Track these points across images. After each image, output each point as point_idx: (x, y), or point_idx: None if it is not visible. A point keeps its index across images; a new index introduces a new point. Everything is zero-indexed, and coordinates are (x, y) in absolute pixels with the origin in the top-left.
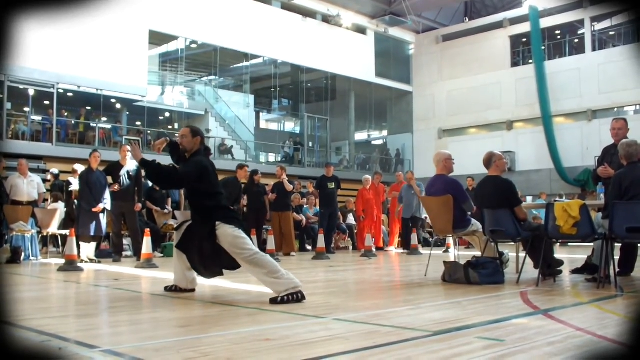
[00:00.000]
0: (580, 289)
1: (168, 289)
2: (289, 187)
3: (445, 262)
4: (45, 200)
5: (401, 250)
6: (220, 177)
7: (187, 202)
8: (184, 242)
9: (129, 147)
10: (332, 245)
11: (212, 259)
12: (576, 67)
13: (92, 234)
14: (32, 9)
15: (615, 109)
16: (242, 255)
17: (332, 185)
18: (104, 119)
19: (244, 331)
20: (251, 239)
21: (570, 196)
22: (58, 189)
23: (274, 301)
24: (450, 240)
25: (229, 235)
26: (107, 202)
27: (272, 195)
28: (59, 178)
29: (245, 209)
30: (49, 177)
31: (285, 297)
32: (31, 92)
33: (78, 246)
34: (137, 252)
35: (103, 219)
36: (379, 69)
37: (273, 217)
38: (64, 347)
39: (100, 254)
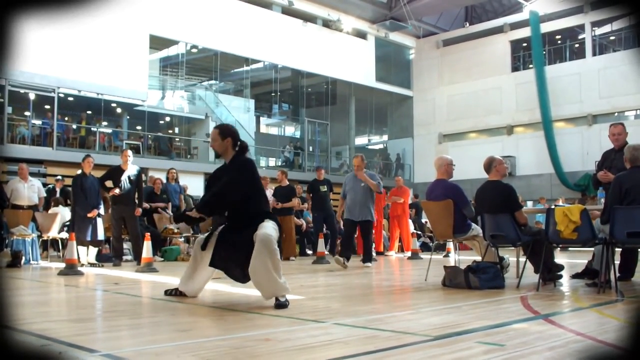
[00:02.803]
0: (580, 293)
1: (169, 292)
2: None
3: (445, 267)
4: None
5: (343, 262)
6: None
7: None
8: (222, 261)
9: (130, 152)
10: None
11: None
12: (576, 71)
13: (88, 238)
14: (32, 12)
15: (616, 114)
16: (262, 232)
17: (324, 189)
18: (105, 123)
19: (244, 335)
20: None
21: (570, 201)
22: (64, 194)
23: (279, 306)
24: (450, 245)
25: (267, 224)
26: (101, 207)
27: (273, 202)
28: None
29: None
30: (56, 181)
31: (286, 302)
32: (32, 96)
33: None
34: (137, 256)
35: (99, 223)
36: (380, 74)
37: None
38: (64, 351)
39: (101, 258)
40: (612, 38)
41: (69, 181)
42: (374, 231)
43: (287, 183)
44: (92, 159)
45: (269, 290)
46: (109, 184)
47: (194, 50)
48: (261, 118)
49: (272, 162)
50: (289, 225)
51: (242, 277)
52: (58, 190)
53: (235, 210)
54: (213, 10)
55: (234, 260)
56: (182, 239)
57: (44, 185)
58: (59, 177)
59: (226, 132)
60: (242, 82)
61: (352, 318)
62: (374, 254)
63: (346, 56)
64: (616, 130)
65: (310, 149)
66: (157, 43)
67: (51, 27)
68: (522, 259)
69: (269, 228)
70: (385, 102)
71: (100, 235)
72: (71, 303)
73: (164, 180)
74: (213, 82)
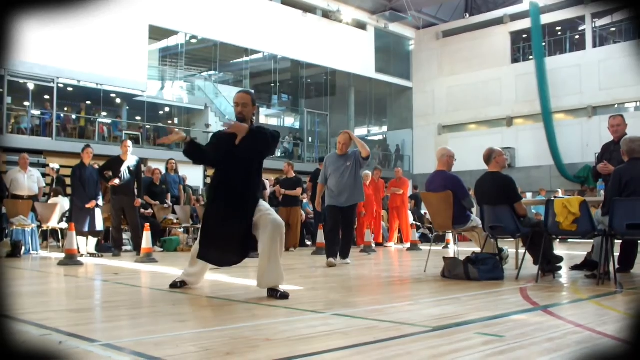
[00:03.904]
0: (579, 285)
1: (177, 285)
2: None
3: (444, 258)
4: (46, 194)
5: (341, 260)
6: None
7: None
8: (216, 253)
9: (129, 143)
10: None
11: (245, 244)
12: (577, 63)
13: (85, 229)
14: (32, 3)
15: (616, 106)
16: (274, 218)
17: None
18: (104, 113)
19: (243, 326)
20: None
21: (570, 192)
22: (60, 183)
23: (272, 294)
24: (449, 236)
25: (271, 208)
26: (100, 198)
27: (277, 188)
28: (59, 173)
29: None
30: (48, 171)
31: (286, 293)
32: (31, 86)
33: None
34: (137, 246)
35: (97, 214)
36: (379, 65)
37: (281, 212)
38: (63, 341)
39: (100, 249)
40: (612, 30)
41: (68, 171)
42: (373, 222)
43: (294, 175)
44: (92, 150)
45: (270, 278)
46: (108, 174)
47: (194, 40)
48: (260, 109)
49: None
50: (296, 216)
51: (238, 260)
52: (55, 179)
53: (243, 181)
54: (213, 1)
55: (230, 250)
56: (182, 230)
57: (43, 175)
58: (54, 167)
59: (255, 100)
60: (242, 72)
61: (351, 309)
62: (373, 245)
63: (346, 47)
64: (615, 121)
65: (310, 139)
66: (157, 33)
67: (51, 18)
68: (522, 250)
69: (275, 213)
70: (384, 93)
71: (99, 226)
72: (71, 293)
73: (163, 171)
74: (212, 72)
